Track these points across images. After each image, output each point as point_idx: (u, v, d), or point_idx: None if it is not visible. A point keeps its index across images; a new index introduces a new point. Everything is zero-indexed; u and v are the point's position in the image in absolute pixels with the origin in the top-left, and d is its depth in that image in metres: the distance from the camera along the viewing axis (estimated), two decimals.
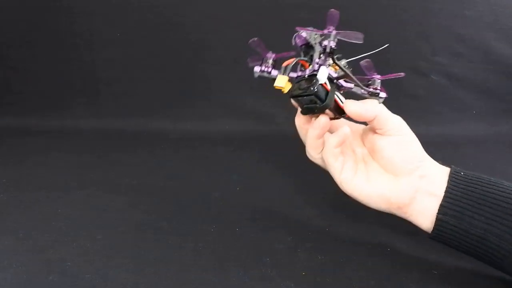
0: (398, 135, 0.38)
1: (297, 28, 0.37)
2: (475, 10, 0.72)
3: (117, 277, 0.39)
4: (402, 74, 0.38)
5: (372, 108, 0.37)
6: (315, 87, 0.34)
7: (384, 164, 0.39)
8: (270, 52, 0.38)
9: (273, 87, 0.36)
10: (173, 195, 0.55)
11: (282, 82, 0.35)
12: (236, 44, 0.81)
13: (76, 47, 0.85)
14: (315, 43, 0.36)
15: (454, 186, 0.36)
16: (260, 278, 0.39)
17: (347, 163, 0.40)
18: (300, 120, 0.41)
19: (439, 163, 0.40)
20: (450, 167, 0.39)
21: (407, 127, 0.39)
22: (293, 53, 0.39)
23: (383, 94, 0.38)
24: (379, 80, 0.38)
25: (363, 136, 0.42)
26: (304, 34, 0.36)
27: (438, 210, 0.36)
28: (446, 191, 0.36)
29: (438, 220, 0.36)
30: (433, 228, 0.37)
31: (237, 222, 0.48)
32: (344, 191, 0.40)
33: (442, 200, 0.36)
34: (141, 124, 0.83)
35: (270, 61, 0.38)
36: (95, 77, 0.86)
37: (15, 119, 0.88)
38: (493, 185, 0.36)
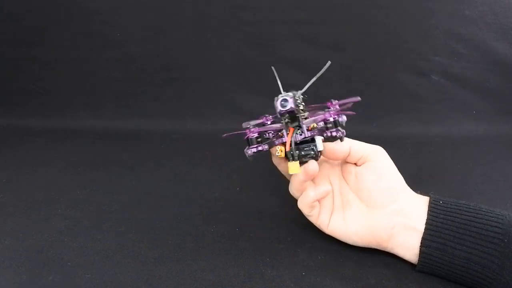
0: (375, 160, 0.39)
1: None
2: (475, 10, 0.72)
3: (117, 277, 0.39)
4: (358, 98, 0.40)
5: (344, 144, 0.39)
6: (318, 154, 0.38)
7: (362, 195, 0.40)
8: (251, 127, 0.39)
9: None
10: (173, 195, 0.55)
11: (296, 169, 0.37)
12: (236, 44, 0.82)
13: (76, 47, 0.85)
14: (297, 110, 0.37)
15: (435, 217, 0.36)
16: (260, 278, 0.39)
17: (323, 209, 0.41)
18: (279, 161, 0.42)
19: (418, 193, 0.40)
20: (429, 196, 0.39)
21: (385, 155, 0.40)
22: (262, 119, 0.41)
23: (344, 118, 0.38)
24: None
25: (342, 168, 0.43)
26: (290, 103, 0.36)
27: (421, 243, 0.36)
28: (427, 223, 0.36)
29: (422, 253, 0.36)
30: (418, 261, 0.37)
31: (237, 222, 0.48)
32: (323, 231, 0.42)
33: (424, 232, 0.36)
34: (141, 124, 0.84)
35: (257, 139, 0.39)
36: (95, 77, 0.86)
37: (15, 119, 0.88)
38: (473, 212, 0.36)
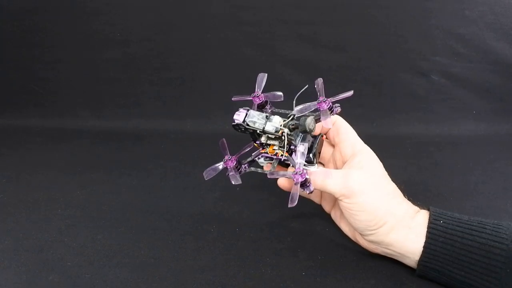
0: (347, 202, 0.36)
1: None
2: (475, 10, 0.72)
3: (117, 277, 0.39)
4: (351, 92, 0.39)
5: (311, 187, 0.36)
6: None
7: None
8: (227, 159, 0.40)
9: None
10: (173, 195, 0.55)
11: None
12: (235, 44, 0.82)
13: (76, 47, 0.85)
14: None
15: (434, 240, 0.34)
16: (260, 278, 0.39)
17: (324, 200, 0.43)
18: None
19: (414, 202, 0.38)
20: (429, 211, 0.37)
21: (358, 196, 0.35)
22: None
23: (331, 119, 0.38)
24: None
25: None
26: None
27: (418, 263, 0.35)
28: (425, 247, 0.35)
29: (419, 269, 0.36)
30: (417, 272, 0.37)
31: (237, 222, 0.48)
32: None
33: (422, 255, 0.35)
34: (141, 124, 0.84)
35: (237, 166, 0.41)
36: (95, 77, 0.86)
37: (15, 119, 0.88)
38: (475, 235, 0.33)
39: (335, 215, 0.43)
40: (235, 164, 0.40)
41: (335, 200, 0.43)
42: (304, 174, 0.35)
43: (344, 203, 0.36)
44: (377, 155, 0.40)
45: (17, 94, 0.89)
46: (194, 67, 0.83)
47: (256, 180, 0.58)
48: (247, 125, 0.39)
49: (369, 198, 0.36)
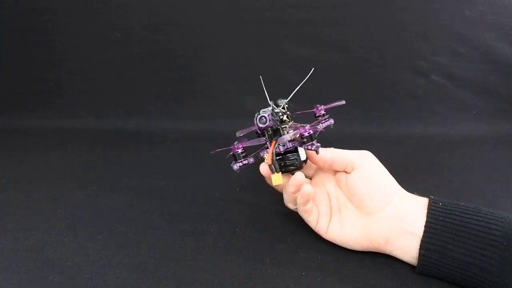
0: (363, 166, 0.39)
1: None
2: (475, 10, 0.72)
3: (117, 277, 0.39)
4: (343, 102, 0.42)
5: (325, 153, 0.40)
6: (301, 164, 0.40)
7: (356, 202, 0.40)
8: (236, 144, 0.41)
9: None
10: (173, 195, 0.55)
11: (279, 180, 0.39)
12: (235, 44, 0.82)
13: (76, 47, 0.85)
14: (276, 123, 0.39)
15: (434, 219, 0.36)
16: (260, 278, 0.39)
17: (321, 215, 0.42)
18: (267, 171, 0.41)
19: (415, 193, 0.40)
20: (428, 197, 0.38)
21: (374, 160, 0.40)
22: (253, 127, 0.42)
23: (330, 121, 0.41)
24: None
25: (336, 176, 0.43)
26: (266, 117, 0.39)
27: (420, 245, 0.36)
28: (426, 226, 0.36)
29: (421, 256, 0.36)
30: (418, 263, 0.37)
31: (237, 222, 0.48)
32: (322, 237, 0.43)
33: (423, 235, 0.36)
34: (141, 124, 0.84)
35: (242, 154, 0.41)
36: (95, 77, 0.86)
37: (15, 119, 0.88)
38: (472, 213, 0.36)
39: (333, 229, 0.42)
40: (242, 151, 0.40)
41: (330, 216, 0.42)
42: (310, 129, 0.36)
43: (364, 164, 0.39)
44: (377, 155, 0.41)
45: (17, 94, 0.89)
46: (194, 67, 0.83)
47: (255, 180, 0.59)
48: (274, 111, 0.38)
49: (380, 166, 0.40)
